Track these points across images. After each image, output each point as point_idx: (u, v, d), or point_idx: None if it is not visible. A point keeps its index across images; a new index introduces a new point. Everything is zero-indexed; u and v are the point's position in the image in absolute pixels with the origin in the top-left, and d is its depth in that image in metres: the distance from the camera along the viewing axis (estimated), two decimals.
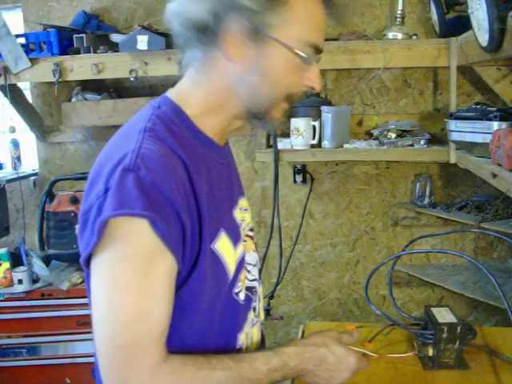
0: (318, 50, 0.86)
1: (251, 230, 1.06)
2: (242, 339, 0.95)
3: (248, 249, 1.01)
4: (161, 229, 0.75)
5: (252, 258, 1.02)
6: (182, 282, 0.82)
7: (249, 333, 0.98)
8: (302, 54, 0.84)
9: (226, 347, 0.91)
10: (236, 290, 0.92)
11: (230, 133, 0.97)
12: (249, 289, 0.98)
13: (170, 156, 0.80)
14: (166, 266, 0.78)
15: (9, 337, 2.28)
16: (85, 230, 0.78)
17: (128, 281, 0.76)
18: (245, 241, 0.99)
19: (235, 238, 0.92)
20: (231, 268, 0.90)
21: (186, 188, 0.80)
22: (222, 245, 0.88)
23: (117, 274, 0.76)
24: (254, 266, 1.03)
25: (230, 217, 0.94)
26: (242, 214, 1.01)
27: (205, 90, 0.88)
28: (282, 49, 0.83)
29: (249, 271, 0.99)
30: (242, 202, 1.03)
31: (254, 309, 1.01)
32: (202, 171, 0.85)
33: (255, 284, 1.02)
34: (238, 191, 1.02)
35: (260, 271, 1.08)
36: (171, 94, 0.91)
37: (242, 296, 0.94)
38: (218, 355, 0.84)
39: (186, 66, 0.90)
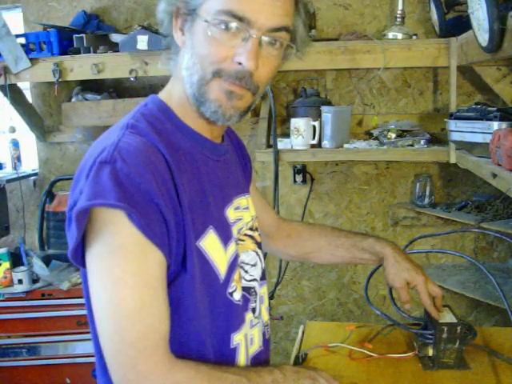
0: (241, 19, 0.81)
1: (251, 229, 1.03)
2: (238, 339, 0.93)
3: (245, 248, 0.99)
4: (138, 221, 0.75)
5: (250, 257, 1.01)
6: (173, 278, 0.82)
7: (247, 334, 0.97)
8: (214, 28, 0.81)
9: (221, 347, 0.91)
10: (230, 290, 0.91)
11: (221, 130, 0.97)
12: (245, 289, 0.97)
13: (149, 150, 0.80)
14: (155, 258, 0.77)
15: (9, 337, 2.28)
16: (70, 225, 0.78)
17: (122, 272, 0.76)
18: (242, 240, 0.98)
19: (225, 237, 0.91)
20: (221, 267, 0.89)
21: (166, 181, 0.79)
22: (210, 243, 0.87)
23: (111, 266, 0.76)
24: (253, 265, 1.01)
25: (220, 215, 0.92)
26: (239, 213, 0.99)
27: (179, 82, 0.91)
28: (202, 23, 0.83)
29: (246, 271, 0.98)
30: (241, 201, 1.01)
31: (254, 310, 1.00)
32: (186, 167, 0.85)
33: (254, 284, 1.00)
34: (235, 190, 1.00)
35: (264, 271, 1.06)
36: (161, 92, 0.95)
37: (236, 296, 0.92)
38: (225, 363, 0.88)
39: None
